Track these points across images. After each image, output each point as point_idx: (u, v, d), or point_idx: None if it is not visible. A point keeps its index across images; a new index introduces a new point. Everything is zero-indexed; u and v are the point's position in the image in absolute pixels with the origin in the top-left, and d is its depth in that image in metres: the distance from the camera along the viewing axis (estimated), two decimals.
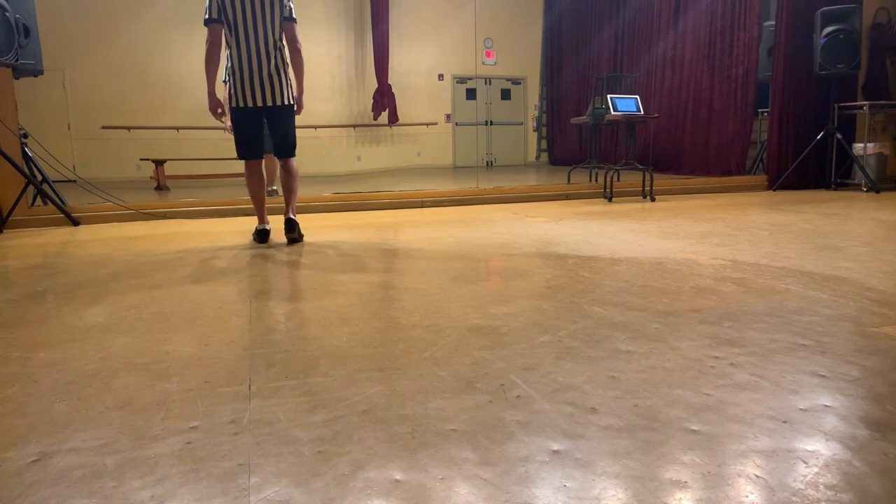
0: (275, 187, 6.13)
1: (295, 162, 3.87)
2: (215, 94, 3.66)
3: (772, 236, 3.54)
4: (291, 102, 3.68)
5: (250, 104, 3.60)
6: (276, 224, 4.02)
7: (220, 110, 3.69)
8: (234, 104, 3.63)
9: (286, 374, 1.57)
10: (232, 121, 3.72)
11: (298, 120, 3.83)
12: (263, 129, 3.80)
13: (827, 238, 3.43)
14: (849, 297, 2.17)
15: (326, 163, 10.70)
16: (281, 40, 3.59)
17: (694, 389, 1.41)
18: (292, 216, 3.79)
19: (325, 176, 9.87)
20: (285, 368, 1.61)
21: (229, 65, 3.64)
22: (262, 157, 3.85)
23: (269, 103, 3.60)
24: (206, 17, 3.53)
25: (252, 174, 3.83)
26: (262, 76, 3.55)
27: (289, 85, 3.66)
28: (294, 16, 3.60)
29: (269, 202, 4.09)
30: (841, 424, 1.22)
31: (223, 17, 3.51)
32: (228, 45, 3.58)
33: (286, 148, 3.79)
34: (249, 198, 3.91)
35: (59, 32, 9.37)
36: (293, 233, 3.76)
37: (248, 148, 3.76)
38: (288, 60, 3.64)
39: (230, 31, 3.53)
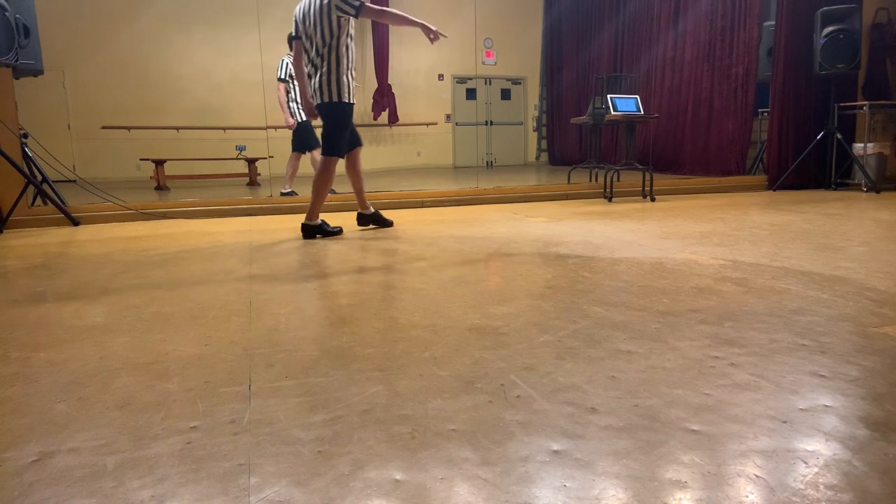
0: (290, 189, 6.27)
1: (321, 159, 4.05)
2: (308, 98, 4.03)
3: (772, 236, 3.54)
4: (332, 101, 3.86)
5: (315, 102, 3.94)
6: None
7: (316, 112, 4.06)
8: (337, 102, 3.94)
9: (286, 374, 1.57)
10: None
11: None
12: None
13: (827, 238, 3.43)
14: (849, 297, 2.17)
15: None
16: (332, 40, 3.80)
17: (694, 389, 1.41)
18: (306, 220, 4.02)
19: None
20: (285, 368, 1.61)
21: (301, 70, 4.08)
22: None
23: (319, 101, 3.89)
24: (293, 35, 4.01)
25: (333, 171, 4.07)
26: (316, 78, 3.86)
27: (331, 84, 3.84)
28: (349, 6, 3.74)
29: (291, 201, 4.14)
30: (841, 424, 1.22)
31: (299, 34, 3.92)
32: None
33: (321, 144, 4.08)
34: (318, 194, 4.03)
35: (59, 32, 9.37)
36: (305, 234, 4.02)
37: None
38: (336, 59, 3.83)
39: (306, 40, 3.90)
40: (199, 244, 3.85)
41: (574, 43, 11.25)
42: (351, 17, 3.78)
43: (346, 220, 4.66)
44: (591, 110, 6.70)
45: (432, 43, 3.93)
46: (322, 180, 3.99)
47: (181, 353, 1.76)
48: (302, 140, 6.22)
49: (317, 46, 3.81)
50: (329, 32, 3.77)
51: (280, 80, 6.06)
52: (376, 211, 4.34)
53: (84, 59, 10.00)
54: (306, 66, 3.93)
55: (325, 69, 3.81)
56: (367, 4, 3.76)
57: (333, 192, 6.08)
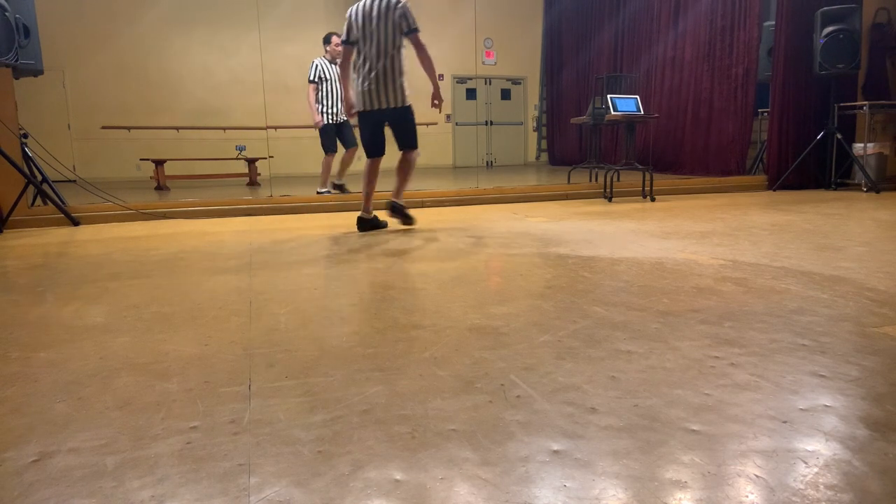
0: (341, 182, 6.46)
1: (407, 152, 4.26)
2: (349, 99, 4.21)
3: (772, 236, 3.54)
4: (399, 105, 4.05)
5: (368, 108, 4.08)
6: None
7: (353, 111, 4.22)
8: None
9: (286, 374, 1.57)
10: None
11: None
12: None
13: (827, 238, 3.43)
14: (849, 297, 2.17)
15: None
16: (393, 49, 3.98)
17: (694, 389, 1.41)
18: (393, 199, 4.26)
19: None
20: (285, 368, 1.61)
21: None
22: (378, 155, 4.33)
23: (384, 106, 4.05)
24: (343, 38, 4.15)
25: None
26: (378, 83, 4.01)
27: (396, 90, 4.02)
28: (407, 23, 3.98)
29: (290, 201, 4.12)
30: (841, 424, 1.22)
31: (352, 38, 4.03)
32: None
33: (399, 143, 4.23)
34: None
35: (59, 32, 9.38)
36: (395, 214, 4.27)
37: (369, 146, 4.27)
38: (392, 65, 4.00)
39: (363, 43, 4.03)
40: (199, 244, 3.85)
41: (574, 43, 11.25)
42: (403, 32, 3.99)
43: (346, 221, 4.67)
44: (591, 110, 6.70)
45: (432, 107, 4.21)
46: (411, 170, 4.30)
47: (181, 353, 1.76)
48: (341, 139, 6.37)
49: (377, 52, 3.96)
50: (392, 42, 3.95)
51: (311, 81, 6.17)
52: (375, 216, 4.36)
53: (84, 59, 10.00)
54: (361, 69, 4.04)
55: (384, 75, 3.99)
56: (419, 36, 4.00)
57: (348, 191, 6.19)
